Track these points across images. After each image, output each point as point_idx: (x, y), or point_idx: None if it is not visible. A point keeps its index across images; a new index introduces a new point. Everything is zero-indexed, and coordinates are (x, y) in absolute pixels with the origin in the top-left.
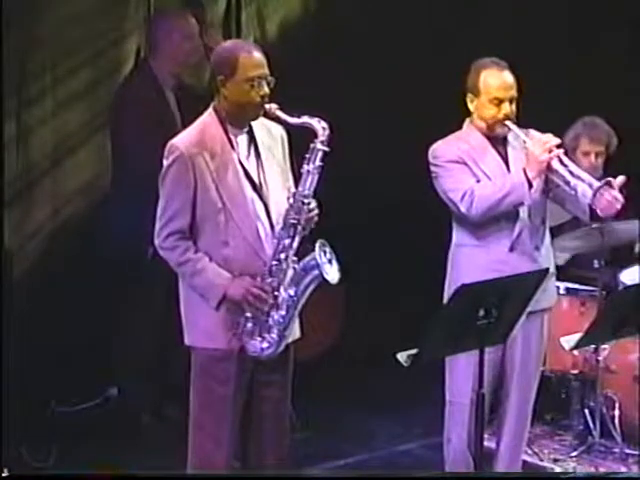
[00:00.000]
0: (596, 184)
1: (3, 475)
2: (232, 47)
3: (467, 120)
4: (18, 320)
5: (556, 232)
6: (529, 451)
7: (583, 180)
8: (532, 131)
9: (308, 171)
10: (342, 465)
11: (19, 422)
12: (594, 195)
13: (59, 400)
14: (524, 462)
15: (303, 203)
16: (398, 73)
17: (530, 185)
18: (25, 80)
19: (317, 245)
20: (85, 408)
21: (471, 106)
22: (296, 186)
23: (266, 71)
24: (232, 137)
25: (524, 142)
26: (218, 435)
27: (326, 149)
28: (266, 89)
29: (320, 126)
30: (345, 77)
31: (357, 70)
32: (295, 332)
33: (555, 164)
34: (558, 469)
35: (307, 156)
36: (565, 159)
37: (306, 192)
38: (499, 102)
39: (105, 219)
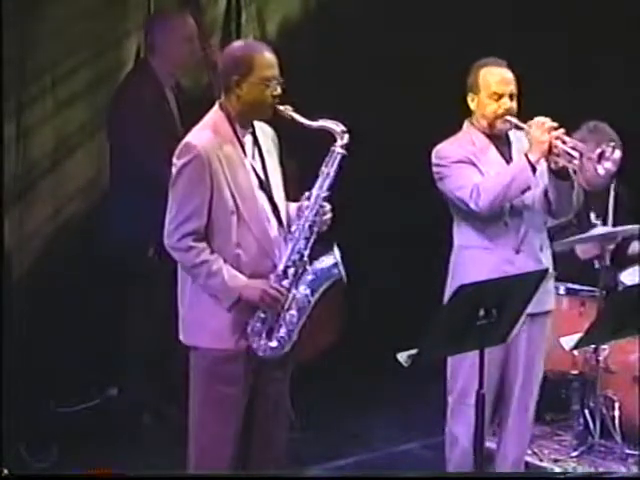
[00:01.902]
0: (598, 150)
1: (3, 475)
2: (247, 47)
3: (466, 122)
4: (18, 320)
5: (555, 234)
6: (529, 451)
7: (584, 152)
8: (531, 121)
9: (328, 174)
10: (342, 465)
11: (19, 422)
12: (598, 160)
13: (59, 400)
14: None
15: (320, 205)
16: (398, 73)
17: (534, 169)
18: (25, 80)
19: (335, 246)
20: (85, 408)
21: (472, 105)
22: (309, 188)
23: (278, 72)
24: (240, 137)
25: (524, 131)
26: (223, 435)
27: (345, 153)
28: (279, 89)
29: (339, 130)
30: (345, 78)
31: (357, 70)
32: None
33: (558, 144)
34: (558, 469)
35: (326, 159)
36: (566, 138)
37: (323, 194)
38: (499, 97)
39: (105, 219)
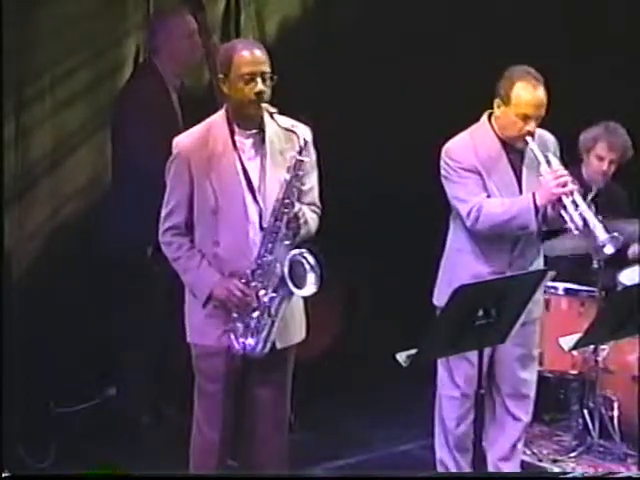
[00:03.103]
0: (602, 237)
1: (3, 475)
2: (229, 46)
3: (485, 116)
4: (18, 320)
5: (554, 233)
6: (528, 451)
7: (589, 226)
8: (550, 155)
9: (286, 179)
10: (342, 465)
11: (19, 422)
12: (599, 248)
13: (58, 400)
14: (523, 462)
15: (283, 212)
16: (398, 73)
17: (537, 211)
18: (24, 80)
19: (287, 259)
20: (84, 408)
21: (497, 110)
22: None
23: (262, 68)
24: (238, 138)
25: (539, 165)
26: (208, 432)
27: (304, 159)
28: (260, 86)
29: (302, 137)
30: (344, 77)
31: (356, 70)
32: (300, 334)
33: (566, 200)
34: (557, 469)
35: (287, 165)
36: (578, 197)
37: (286, 200)
38: (526, 118)
39: (105, 219)
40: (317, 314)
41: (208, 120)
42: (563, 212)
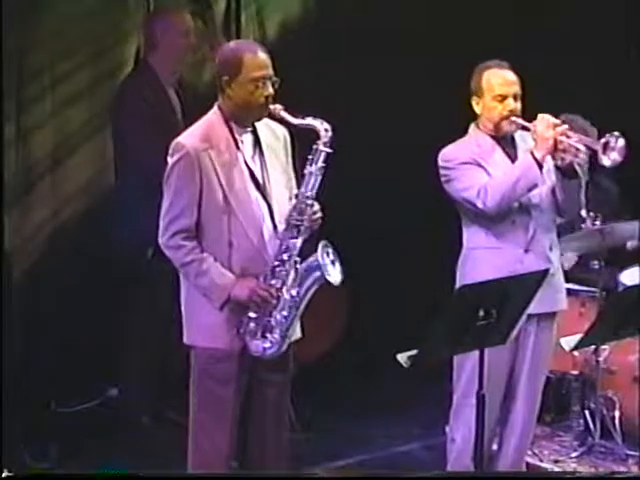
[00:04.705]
0: (602, 140)
1: (3, 476)
2: (237, 47)
3: (472, 125)
4: (18, 320)
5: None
6: (529, 452)
7: (590, 145)
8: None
9: (311, 172)
10: (342, 465)
11: (19, 422)
12: (604, 151)
13: (59, 400)
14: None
15: (306, 205)
16: (399, 73)
17: (540, 166)
18: (25, 80)
19: (320, 246)
20: (85, 408)
21: (477, 108)
22: (299, 187)
23: (270, 72)
24: (237, 136)
25: (529, 129)
26: (218, 435)
27: (329, 151)
28: (270, 89)
29: (323, 128)
30: (345, 77)
31: (357, 70)
32: (296, 332)
33: (563, 139)
34: (558, 470)
35: (310, 157)
36: (570, 133)
37: (309, 193)
38: (503, 99)
39: (105, 219)
40: (317, 313)
41: (204, 119)
42: (564, 155)
